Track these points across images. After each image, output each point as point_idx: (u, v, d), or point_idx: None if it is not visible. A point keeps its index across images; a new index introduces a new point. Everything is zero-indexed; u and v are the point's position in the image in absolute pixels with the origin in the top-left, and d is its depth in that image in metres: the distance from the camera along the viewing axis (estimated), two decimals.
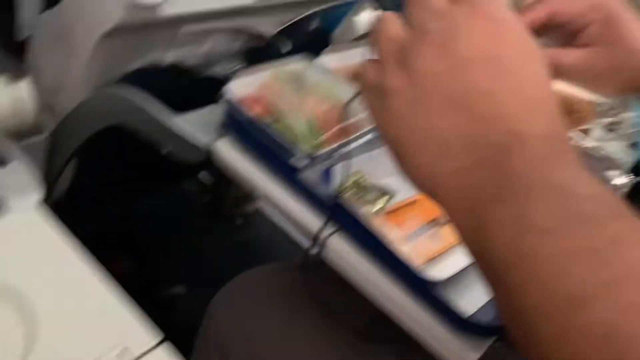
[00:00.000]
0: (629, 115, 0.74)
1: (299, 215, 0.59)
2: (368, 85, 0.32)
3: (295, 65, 0.69)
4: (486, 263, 0.28)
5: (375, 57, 0.32)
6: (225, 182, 1.56)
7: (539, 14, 0.46)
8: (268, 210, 1.72)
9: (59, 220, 0.50)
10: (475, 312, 0.51)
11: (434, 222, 0.61)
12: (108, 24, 0.68)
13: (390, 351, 0.65)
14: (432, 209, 0.62)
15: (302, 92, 0.66)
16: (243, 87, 0.63)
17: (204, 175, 1.66)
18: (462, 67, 0.28)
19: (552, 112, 0.29)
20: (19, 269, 0.45)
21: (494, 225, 0.27)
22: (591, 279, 0.23)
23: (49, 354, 0.40)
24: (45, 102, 0.80)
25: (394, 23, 0.31)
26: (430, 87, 0.29)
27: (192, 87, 0.86)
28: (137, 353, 0.42)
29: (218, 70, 0.89)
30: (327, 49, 0.76)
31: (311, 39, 1.06)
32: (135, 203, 1.45)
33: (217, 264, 1.53)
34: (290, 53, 0.96)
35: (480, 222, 0.28)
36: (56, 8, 0.71)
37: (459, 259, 0.57)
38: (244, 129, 0.61)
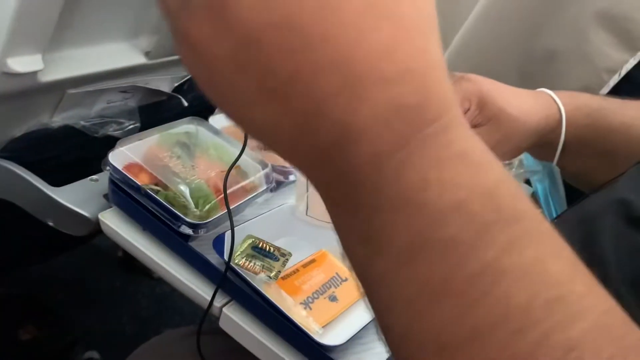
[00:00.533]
0: (519, 158, 0.78)
1: (190, 286, 0.57)
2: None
3: (184, 127, 0.68)
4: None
5: None
6: None
7: None
8: None
9: None
10: None
11: (331, 282, 0.60)
12: None
13: None
14: (330, 267, 0.62)
15: (192, 156, 0.64)
16: (126, 154, 0.61)
17: None
18: (251, 45, 0.20)
19: (404, 79, 0.20)
20: None
21: (344, 242, 0.23)
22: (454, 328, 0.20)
23: None
24: None
25: None
26: (228, 76, 0.21)
27: (86, 148, 0.82)
28: None
29: (112, 129, 0.86)
30: (217, 109, 0.75)
31: None
32: (42, 265, 1.37)
33: (136, 322, 1.46)
34: (189, 107, 0.94)
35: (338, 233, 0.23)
36: None
37: (356, 320, 0.57)
38: (130, 198, 0.59)
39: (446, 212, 0.20)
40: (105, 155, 0.61)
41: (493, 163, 0.22)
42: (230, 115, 0.22)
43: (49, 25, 0.62)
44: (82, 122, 0.83)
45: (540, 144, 0.56)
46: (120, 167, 0.59)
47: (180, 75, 0.94)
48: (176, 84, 0.94)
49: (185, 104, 0.94)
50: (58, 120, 0.82)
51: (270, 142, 0.22)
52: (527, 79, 0.99)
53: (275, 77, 0.20)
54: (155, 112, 0.92)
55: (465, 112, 0.51)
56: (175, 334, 0.78)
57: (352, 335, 0.53)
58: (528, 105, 0.55)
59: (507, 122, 0.52)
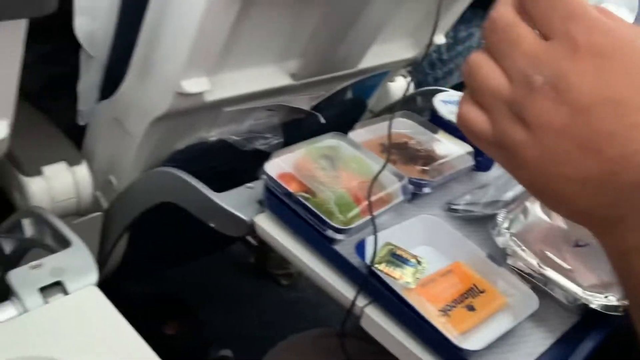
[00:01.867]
0: None
1: (333, 286, 0.62)
2: (484, 139, 0.31)
3: (327, 141, 0.73)
4: (629, 286, 0.30)
5: (468, 104, 0.31)
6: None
7: None
8: None
9: (111, 297, 0.54)
10: None
11: (468, 293, 0.62)
12: (158, 112, 0.75)
13: None
14: (467, 278, 0.64)
15: (335, 167, 0.69)
16: (279, 165, 0.68)
17: (249, 237, 1.71)
18: (583, 114, 0.27)
19: None
20: (77, 349, 0.48)
21: (635, 252, 0.28)
22: None
23: None
24: (101, 181, 0.87)
25: (490, 71, 0.30)
26: (555, 139, 0.28)
27: (237, 160, 0.91)
28: None
29: (259, 144, 0.94)
30: (356, 125, 0.80)
31: (347, 109, 1.12)
32: (185, 267, 1.50)
33: (263, 325, 1.55)
34: (326, 124, 1.01)
35: (623, 248, 0.29)
36: (111, 99, 0.79)
37: (495, 329, 0.58)
38: (282, 204, 0.65)
39: None
40: (258, 166, 0.68)
41: None
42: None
43: (216, 51, 0.71)
44: (234, 137, 0.93)
45: None
46: (274, 176, 0.66)
47: (317, 95, 1.01)
48: (314, 103, 1.01)
49: (323, 120, 1.01)
50: (214, 135, 0.92)
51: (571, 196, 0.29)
52: None
53: (597, 136, 0.27)
54: (295, 128, 1.00)
55: None
56: (316, 333, 0.83)
57: (492, 341, 0.55)
58: None
59: None
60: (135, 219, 0.83)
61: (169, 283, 1.53)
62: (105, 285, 0.85)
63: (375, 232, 0.61)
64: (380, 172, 0.63)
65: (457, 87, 1.87)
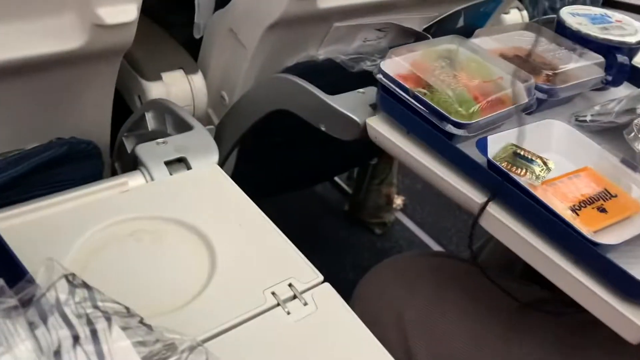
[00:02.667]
0: None
1: (453, 184, 0.59)
2: None
3: (446, 45, 0.70)
4: None
5: None
6: (366, 191, 1.60)
7: None
8: (406, 220, 1.73)
9: None
10: None
11: (599, 195, 0.57)
12: (272, 17, 0.75)
13: (552, 327, 0.62)
14: (597, 181, 0.59)
15: (454, 68, 0.66)
16: (395, 65, 0.65)
17: (345, 183, 1.71)
18: None
19: None
20: (203, 214, 0.50)
21: None
22: None
23: (228, 281, 0.44)
24: (214, 94, 0.89)
25: None
26: None
27: (345, 80, 0.90)
28: (303, 287, 0.44)
29: (367, 65, 0.92)
30: (477, 31, 0.76)
31: (457, 31, 1.07)
32: (281, 210, 1.52)
33: (356, 272, 1.56)
34: None
35: None
36: (226, 7, 0.80)
37: (630, 230, 0.53)
38: (397, 103, 0.63)
39: None
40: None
41: None
42: None
43: None
44: (342, 57, 0.91)
45: None
46: (391, 74, 0.64)
47: (429, 15, 0.97)
48: (425, 26, 0.98)
49: None
50: (322, 53, 0.91)
51: None
52: None
53: None
54: None
55: None
56: (418, 253, 0.81)
57: (629, 238, 0.50)
58: None
59: None
60: (246, 132, 0.84)
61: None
62: None
63: (497, 130, 0.57)
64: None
65: None
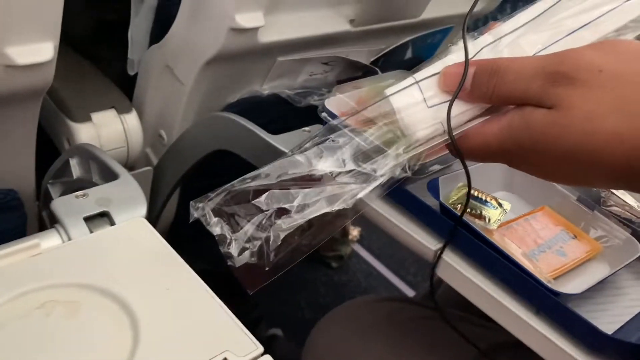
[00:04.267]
0: None
1: (408, 229, 0.55)
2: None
3: (392, 80, 0.67)
4: None
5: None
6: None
7: None
8: (363, 252, 1.70)
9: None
10: (617, 331, 0.44)
11: (557, 237, 0.54)
12: (210, 53, 0.70)
13: None
14: (555, 222, 0.56)
15: None
16: (340, 102, 0.62)
17: None
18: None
19: None
20: (126, 278, 0.44)
21: None
22: None
23: (152, 357, 0.38)
24: (151, 133, 0.84)
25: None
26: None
27: (291, 116, 0.86)
28: None
29: (314, 99, 0.89)
30: (423, 63, 0.73)
31: (405, 68, 1.05)
32: None
33: (313, 307, 1.50)
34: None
35: None
36: (161, 43, 0.75)
37: (591, 275, 0.50)
38: None
39: None
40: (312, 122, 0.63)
41: None
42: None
43: None
44: (288, 92, 0.88)
45: None
46: (335, 112, 0.60)
47: (376, 48, 0.94)
48: (373, 58, 0.95)
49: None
50: (267, 88, 0.87)
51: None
52: None
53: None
54: None
55: None
56: (373, 299, 0.77)
57: (589, 287, 0.47)
58: None
59: None
60: (187, 172, 0.79)
61: (220, 261, 1.50)
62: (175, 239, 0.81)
63: (448, 172, 0.54)
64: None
65: None
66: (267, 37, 0.73)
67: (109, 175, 0.56)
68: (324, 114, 0.61)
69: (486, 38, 0.38)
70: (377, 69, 0.93)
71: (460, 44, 0.38)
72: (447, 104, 0.36)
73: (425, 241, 0.54)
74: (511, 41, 0.36)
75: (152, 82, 0.79)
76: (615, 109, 0.28)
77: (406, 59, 1.04)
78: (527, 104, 0.31)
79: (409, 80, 0.41)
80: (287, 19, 0.75)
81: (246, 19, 0.66)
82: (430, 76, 0.40)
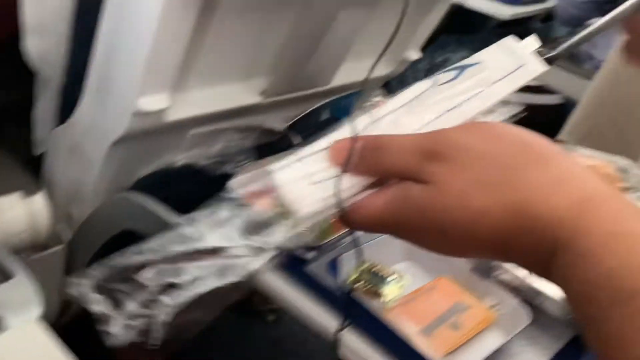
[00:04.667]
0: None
1: (307, 310, 0.56)
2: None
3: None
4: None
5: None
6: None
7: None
8: None
9: (84, 337, 0.49)
10: None
11: (453, 309, 0.57)
12: (116, 134, 0.70)
13: None
14: (451, 294, 0.59)
15: None
16: (248, 181, 0.63)
17: None
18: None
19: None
20: None
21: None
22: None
23: None
24: (62, 212, 0.82)
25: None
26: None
27: (207, 185, 0.86)
28: None
29: (229, 168, 0.90)
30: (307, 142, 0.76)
31: (323, 130, 1.08)
32: None
33: None
34: (300, 145, 0.97)
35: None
36: (67, 123, 0.74)
37: (483, 348, 0.53)
38: None
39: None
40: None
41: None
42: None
43: (175, 66, 0.67)
44: (203, 161, 0.88)
45: None
46: (238, 194, 0.61)
47: (291, 114, 0.97)
48: (288, 124, 0.98)
49: (297, 141, 0.97)
50: (181, 159, 0.87)
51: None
52: None
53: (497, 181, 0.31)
54: (268, 150, 0.96)
55: None
56: None
57: (485, 357, 0.49)
58: None
59: None
60: (99, 250, 0.77)
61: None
62: (78, 324, 0.78)
63: (350, 249, 0.56)
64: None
65: None
66: (175, 115, 0.73)
67: (4, 274, 0.55)
68: (230, 193, 0.62)
69: (368, 117, 0.40)
70: (289, 134, 0.96)
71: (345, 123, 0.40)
72: (331, 180, 0.37)
73: (325, 322, 0.55)
74: (392, 120, 0.38)
75: (60, 161, 0.78)
76: (481, 186, 0.30)
77: (323, 120, 1.08)
78: (407, 178, 0.33)
79: (292, 157, 0.43)
80: (196, 95, 0.76)
81: (150, 102, 0.67)
82: (314, 152, 0.41)
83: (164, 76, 0.67)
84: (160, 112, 0.70)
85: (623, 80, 1.17)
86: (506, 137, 0.32)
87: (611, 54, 1.23)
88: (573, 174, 0.30)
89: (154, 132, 0.75)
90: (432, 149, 0.32)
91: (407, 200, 0.32)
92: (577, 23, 1.67)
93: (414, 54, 1.07)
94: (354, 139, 0.37)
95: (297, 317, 0.57)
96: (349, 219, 0.35)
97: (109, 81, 0.68)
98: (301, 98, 0.92)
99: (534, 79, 0.41)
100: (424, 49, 2.04)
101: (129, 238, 0.73)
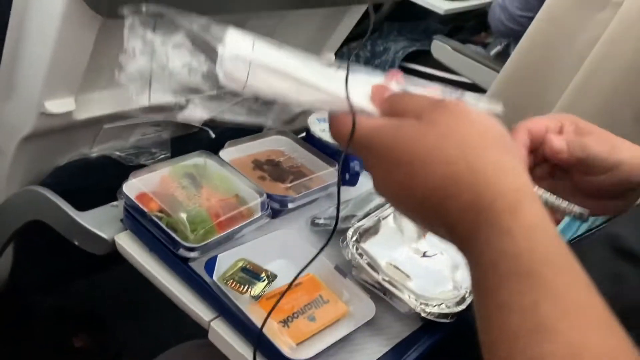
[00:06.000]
0: None
1: (186, 302, 0.64)
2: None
3: (193, 160, 0.76)
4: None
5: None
6: None
7: (521, 134, 0.49)
8: None
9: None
10: None
11: (312, 303, 0.65)
12: (25, 131, 0.75)
13: None
14: (314, 289, 0.68)
15: (198, 186, 0.72)
16: (139, 184, 0.70)
17: None
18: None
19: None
20: None
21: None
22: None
23: None
24: None
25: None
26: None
27: (122, 176, 0.92)
28: None
29: (144, 159, 0.96)
30: (228, 142, 0.83)
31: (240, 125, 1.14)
32: (98, 280, 1.48)
33: (179, 339, 1.55)
34: (216, 140, 1.03)
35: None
36: None
37: (333, 336, 0.62)
38: (139, 224, 0.67)
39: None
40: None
41: (529, 232, 0.34)
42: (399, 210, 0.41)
43: (80, 71, 0.72)
44: (118, 153, 0.94)
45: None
46: (132, 196, 0.68)
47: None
48: (206, 117, 1.03)
49: (213, 135, 1.03)
50: (96, 151, 0.93)
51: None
52: None
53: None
54: (186, 143, 1.01)
55: (560, 130, 0.50)
56: (195, 344, 0.85)
57: (320, 351, 0.58)
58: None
59: (606, 135, 0.51)
60: (11, 237, 0.83)
61: (82, 296, 1.51)
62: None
63: (230, 248, 0.63)
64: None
65: None
66: (84, 114, 0.79)
67: None
68: (122, 197, 0.69)
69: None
70: (207, 129, 1.02)
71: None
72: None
73: (201, 313, 0.63)
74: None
75: None
76: (456, 141, 0.37)
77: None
78: (413, 117, 0.39)
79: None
80: (105, 95, 0.81)
81: (56, 105, 0.72)
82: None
83: (68, 82, 0.72)
84: (67, 114, 0.75)
85: (517, 79, 1.26)
86: (485, 122, 0.39)
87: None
88: (515, 167, 0.36)
89: (66, 128, 0.80)
90: (441, 103, 0.39)
91: (401, 127, 0.38)
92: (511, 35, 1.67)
93: (331, 57, 1.13)
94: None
95: (182, 307, 0.65)
96: (344, 123, 0.40)
97: (17, 82, 0.72)
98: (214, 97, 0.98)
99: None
100: (367, 36, 2.11)
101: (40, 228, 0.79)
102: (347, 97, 0.41)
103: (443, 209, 0.36)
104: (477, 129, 0.38)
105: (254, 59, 0.41)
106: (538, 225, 0.34)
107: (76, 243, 0.73)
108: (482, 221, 0.35)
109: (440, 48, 1.72)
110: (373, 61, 2.03)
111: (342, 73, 0.43)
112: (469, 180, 0.36)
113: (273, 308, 0.55)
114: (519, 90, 1.27)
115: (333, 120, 0.41)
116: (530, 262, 0.33)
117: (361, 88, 0.42)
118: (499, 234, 0.34)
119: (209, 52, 0.44)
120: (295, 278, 0.51)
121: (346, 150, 0.41)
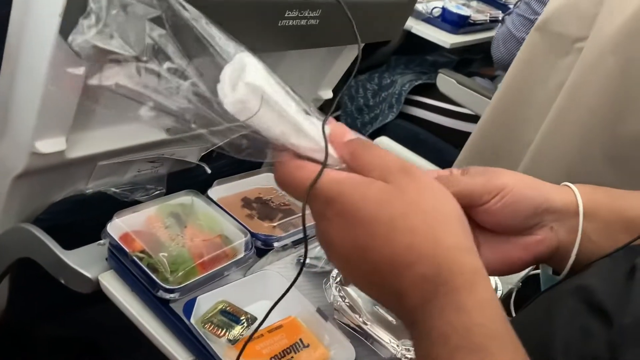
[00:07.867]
0: None
1: (164, 344, 0.64)
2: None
3: (180, 199, 0.76)
4: None
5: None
6: None
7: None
8: None
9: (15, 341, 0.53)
10: None
11: (292, 347, 0.65)
12: (17, 170, 0.77)
13: None
14: (295, 332, 0.67)
15: (182, 225, 0.72)
16: (122, 225, 0.70)
17: None
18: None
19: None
20: None
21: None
22: None
23: None
24: None
25: None
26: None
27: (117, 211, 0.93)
28: None
29: (139, 195, 0.96)
30: (215, 182, 0.83)
31: (236, 161, 1.15)
32: (102, 310, 1.49)
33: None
34: (213, 175, 1.04)
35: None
36: None
37: None
38: (122, 264, 0.67)
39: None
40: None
41: (484, 309, 0.36)
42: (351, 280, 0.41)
43: (71, 113, 0.73)
44: (113, 189, 0.95)
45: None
46: (116, 236, 0.68)
47: (206, 145, 1.04)
48: (203, 153, 1.04)
49: (209, 171, 1.04)
50: (92, 187, 0.94)
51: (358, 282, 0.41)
52: (616, 163, 1.04)
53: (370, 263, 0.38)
54: (182, 178, 1.02)
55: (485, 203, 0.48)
56: None
57: None
58: (538, 183, 0.51)
59: (489, 169, 0.50)
60: (4, 273, 0.84)
61: (85, 326, 1.51)
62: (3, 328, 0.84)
63: (211, 289, 0.63)
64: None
65: (380, 130, 1.94)
66: (77, 153, 0.80)
67: None
68: (104, 238, 0.69)
69: None
70: (203, 164, 1.02)
71: None
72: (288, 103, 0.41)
73: (177, 354, 0.62)
74: None
75: None
76: (423, 212, 0.37)
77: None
78: (378, 176, 0.38)
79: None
80: (97, 134, 0.83)
81: (47, 145, 0.73)
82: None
83: (59, 122, 0.73)
84: (58, 153, 0.76)
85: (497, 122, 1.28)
86: (447, 198, 0.40)
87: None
88: (472, 248, 0.38)
89: (59, 166, 0.81)
90: (409, 169, 0.39)
91: (370, 188, 0.37)
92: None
93: (326, 94, 1.14)
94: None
95: (161, 349, 0.65)
96: (306, 169, 0.39)
97: (8, 122, 0.74)
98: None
99: None
100: (375, 69, 2.11)
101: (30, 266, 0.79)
102: (326, 147, 0.41)
103: (398, 276, 0.37)
104: (441, 202, 0.39)
105: (268, 94, 0.40)
106: (489, 300, 0.36)
107: (62, 281, 0.73)
108: (440, 294, 0.36)
109: (446, 81, 1.72)
110: (380, 94, 2.04)
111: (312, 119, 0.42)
112: (431, 253, 0.36)
113: (242, 350, 0.54)
114: (499, 132, 1.30)
115: (289, 165, 0.41)
116: (480, 336, 0.34)
117: (318, 126, 0.42)
118: (455, 308, 0.35)
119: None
120: (265, 319, 0.50)
121: (306, 199, 0.41)
